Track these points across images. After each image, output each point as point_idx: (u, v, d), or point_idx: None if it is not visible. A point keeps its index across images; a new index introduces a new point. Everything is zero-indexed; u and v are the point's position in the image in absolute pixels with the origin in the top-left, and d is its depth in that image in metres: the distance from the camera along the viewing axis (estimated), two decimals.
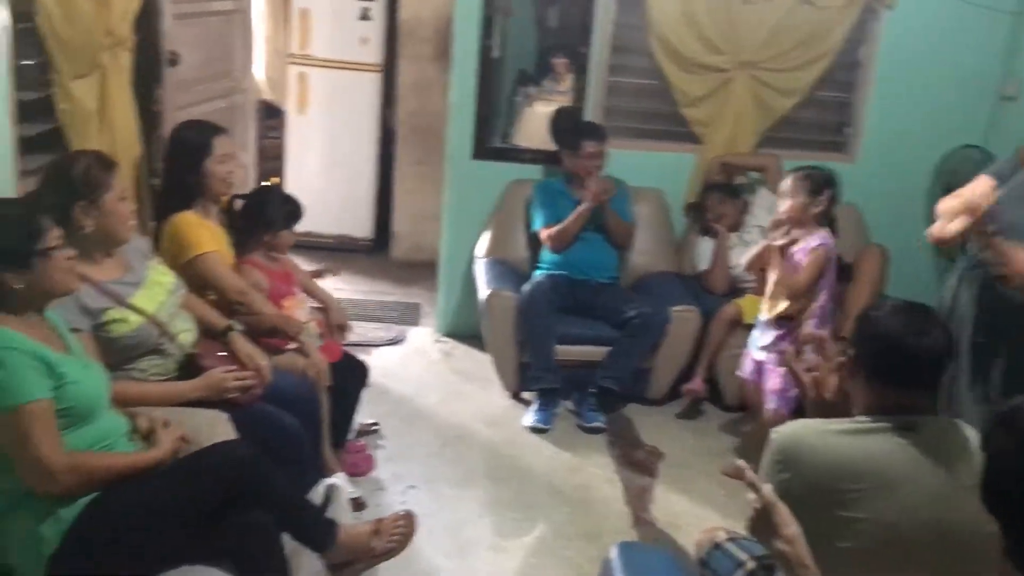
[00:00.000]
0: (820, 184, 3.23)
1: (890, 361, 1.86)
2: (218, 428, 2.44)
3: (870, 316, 1.93)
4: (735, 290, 4.18)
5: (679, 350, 3.98)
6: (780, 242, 3.18)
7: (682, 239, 4.53)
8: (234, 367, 2.64)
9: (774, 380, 3.32)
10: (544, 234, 4.08)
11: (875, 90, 4.50)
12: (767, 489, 1.71)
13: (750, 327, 3.89)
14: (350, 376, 3.24)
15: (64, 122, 2.89)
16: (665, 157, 4.54)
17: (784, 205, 3.24)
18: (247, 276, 3.07)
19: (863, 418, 1.89)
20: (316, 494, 2.61)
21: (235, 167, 3.12)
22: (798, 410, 3.19)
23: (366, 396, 3.43)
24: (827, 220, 3.27)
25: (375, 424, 3.64)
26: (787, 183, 3.26)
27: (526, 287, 3.88)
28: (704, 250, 4.30)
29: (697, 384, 3.92)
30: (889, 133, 4.52)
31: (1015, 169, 2.64)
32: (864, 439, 1.85)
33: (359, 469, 3.31)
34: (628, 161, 4.39)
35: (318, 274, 3.58)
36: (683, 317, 3.94)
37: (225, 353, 2.70)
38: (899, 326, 1.85)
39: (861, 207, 4.48)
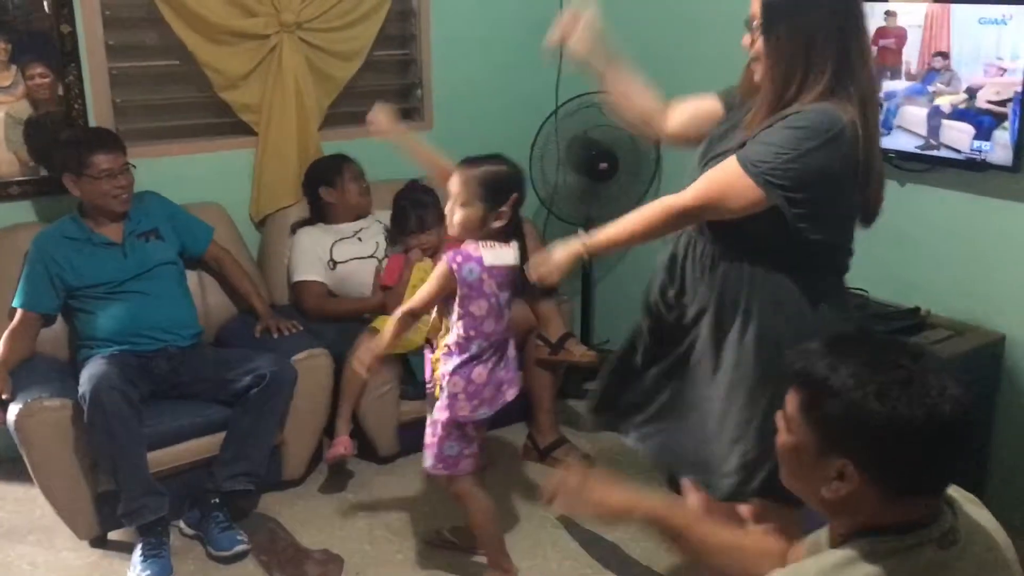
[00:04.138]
0: (503, 188, 2.30)
1: (930, 463, 1.16)
2: None
3: (847, 398, 1.16)
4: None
5: (315, 408, 3.01)
6: None
7: (261, 256, 3.50)
8: None
9: (426, 430, 2.50)
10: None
11: (436, 41, 3.84)
12: None
13: (401, 357, 3.08)
14: None
15: None
16: (213, 159, 3.44)
17: (456, 214, 2.32)
18: None
19: (870, 541, 1.19)
20: None
21: None
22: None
23: None
24: (512, 233, 2.36)
25: None
26: (454, 184, 2.33)
27: (84, 384, 2.60)
28: (306, 253, 3.33)
29: (344, 444, 2.99)
30: (461, 88, 3.90)
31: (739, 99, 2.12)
32: None
33: None
34: (165, 171, 3.26)
35: None
36: (311, 365, 2.96)
37: None
38: (915, 399, 1.13)
39: None
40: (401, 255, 3.20)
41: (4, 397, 2.67)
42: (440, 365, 2.40)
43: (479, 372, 2.38)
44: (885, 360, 1.18)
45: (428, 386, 2.48)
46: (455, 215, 2.31)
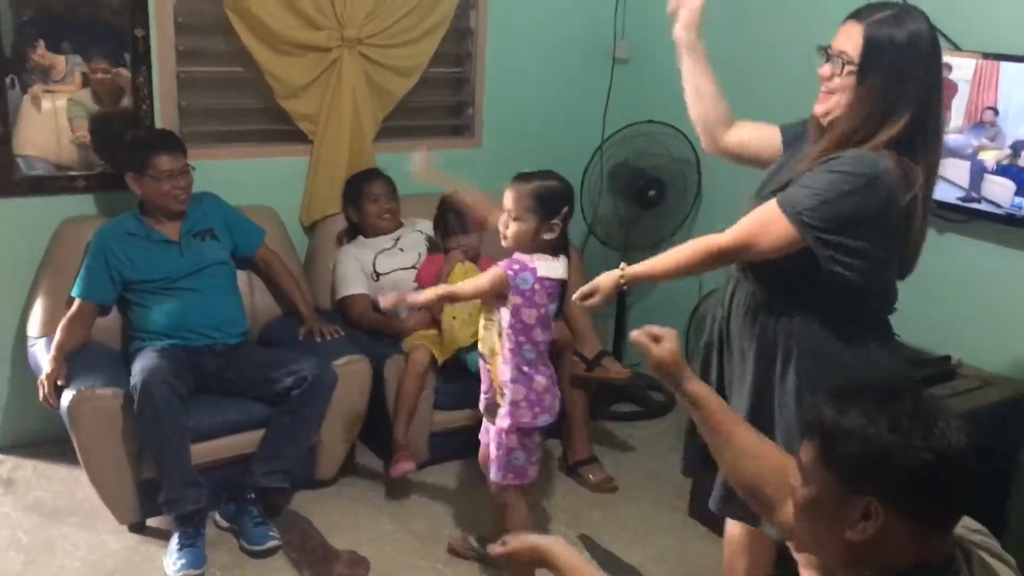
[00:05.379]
0: (555, 202, 2.36)
1: (948, 492, 1.21)
2: None
3: (861, 435, 1.20)
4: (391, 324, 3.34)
5: (351, 414, 3.09)
6: None
7: (309, 260, 3.61)
8: None
9: (490, 441, 2.56)
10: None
11: (490, 62, 3.93)
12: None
13: (458, 367, 3.17)
14: None
15: None
16: (269, 164, 3.56)
17: (509, 227, 2.39)
18: None
19: None
20: None
21: None
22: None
23: None
24: (560, 247, 2.43)
25: None
26: (508, 198, 2.40)
27: (136, 375, 2.71)
28: (350, 269, 3.42)
29: (406, 459, 3.08)
30: (511, 109, 3.99)
31: (799, 135, 2.18)
32: None
33: None
34: (221, 174, 3.37)
35: None
36: (352, 371, 3.05)
37: None
38: (926, 428, 1.19)
39: None
40: (438, 256, 3.30)
41: (59, 383, 2.79)
42: (499, 374, 2.46)
43: (539, 380, 2.44)
44: (889, 396, 1.23)
45: (486, 395, 2.54)
46: (509, 228, 2.38)
